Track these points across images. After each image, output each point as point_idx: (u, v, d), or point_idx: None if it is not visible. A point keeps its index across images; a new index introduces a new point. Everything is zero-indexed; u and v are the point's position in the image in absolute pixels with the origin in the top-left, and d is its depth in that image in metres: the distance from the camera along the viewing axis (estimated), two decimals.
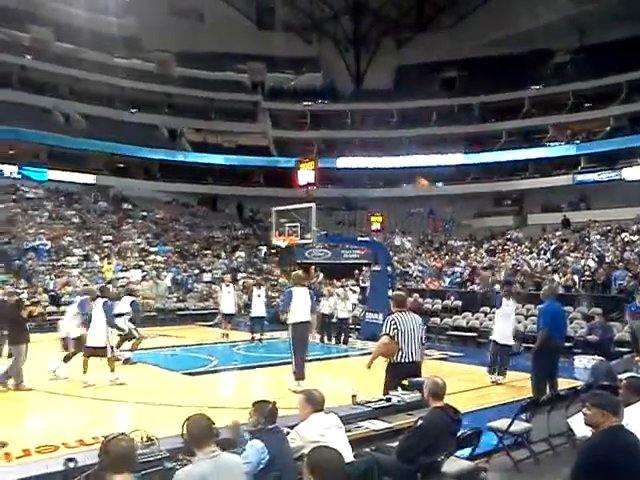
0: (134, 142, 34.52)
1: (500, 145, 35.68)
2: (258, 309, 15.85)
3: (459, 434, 4.61)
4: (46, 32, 34.24)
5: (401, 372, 6.13)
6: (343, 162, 37.96)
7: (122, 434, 3.02)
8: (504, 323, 10.64)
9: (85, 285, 21.66)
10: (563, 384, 8.41)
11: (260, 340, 15.56)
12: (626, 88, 32.00)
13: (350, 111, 39.88)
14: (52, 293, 20.41)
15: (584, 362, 11.81)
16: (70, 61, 33.94)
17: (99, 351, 9.76)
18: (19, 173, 30.42)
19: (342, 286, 20.44)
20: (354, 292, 20.90)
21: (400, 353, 6.17)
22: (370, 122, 39.60)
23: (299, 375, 9.27)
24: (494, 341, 10.65)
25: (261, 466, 3.50)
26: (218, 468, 3.13)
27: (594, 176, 31.41)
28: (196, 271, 26.44)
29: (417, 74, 37.97)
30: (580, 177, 31.90)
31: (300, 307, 9.19)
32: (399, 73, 40.11)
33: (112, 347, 10.05)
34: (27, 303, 10.44)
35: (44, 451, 6.05)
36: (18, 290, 16.98)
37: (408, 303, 6.97)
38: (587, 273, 18.38)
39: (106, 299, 10.17)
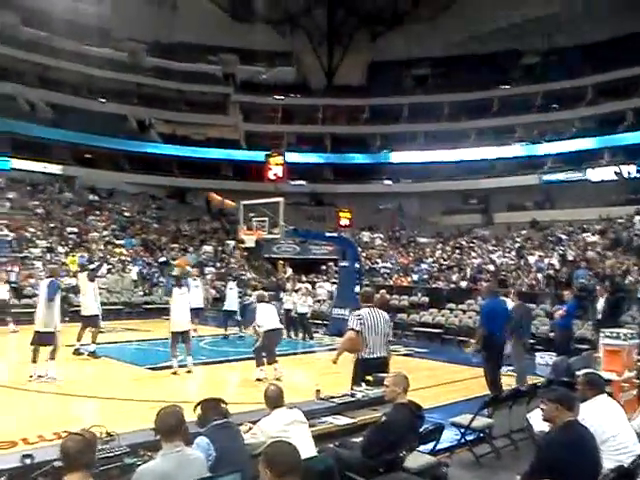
0: (102, 132, 33.86)
1: (469, 143, 36.03)
2: (229, 303, 15.87)
3: (422, 429, 4.66)
4: (13, 17, 33.32)
5: (369, 367, 6.16)
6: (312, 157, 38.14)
7: (81, 430, 2.97)
8: None
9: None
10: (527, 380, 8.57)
11: (229, 335, 15.53)
12: (592, 90, 32.66)
13: (322, 106, 39.83)
14: (14, 285, 19.96)
15: (546, 359, 12.05)
16: (38, 48, 33.05)
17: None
18: None
19: (308, 282, 20.46)
20: (323, 288, 20.99)
21: (367, 349, 6.21)
22: (342, 118, 39.73)
23: (258, 362, 9.79)
24: None
25: (209, 463, 3.43)
26: (181, 465, 3.10)
27: (560, 176, 31.97)
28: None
29: (390, 70, 38.07)
30: (546, 177, 32.43)
31: (269, 316, 9.89)
32: (372, 69, 40.12)
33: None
34: None
35: (2, 447, 5.91)
36: None
37: (375, 299, 7.01)
38: (550, 271, 18.74)
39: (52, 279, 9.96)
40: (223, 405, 3.91)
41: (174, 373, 10.15)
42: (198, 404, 3.90)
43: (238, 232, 18.40)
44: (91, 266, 12.56)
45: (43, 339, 9.38)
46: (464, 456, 5.85)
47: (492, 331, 8.41)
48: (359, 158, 38.15)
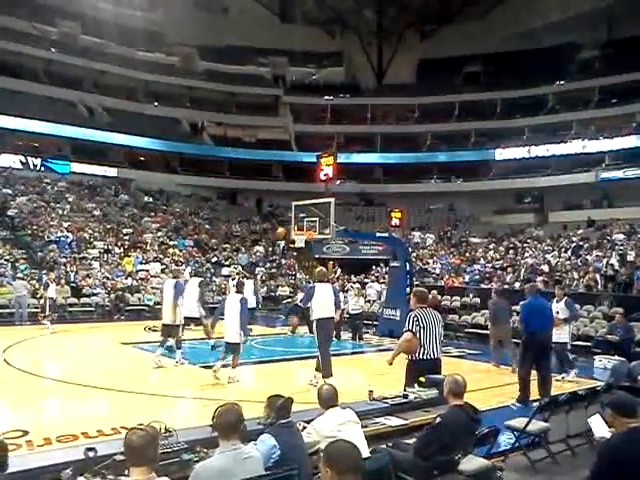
0: (156, 135, 34.81)
1: (523, 141, 35.24)
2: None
3: (476, 432, 4.58)
4: (73, 26, 34.58)
5: (422, 369, 6.13)
6: (362, 157, 38.06)
7: (143, 425, 3.03)
8: None
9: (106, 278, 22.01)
10: (580, 384, 8.34)
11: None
12: None
13: (371, 105, 39.68)
14: (73, 285, 20.68)
15: (604, 362, 11.67)
16: (95, 55, 34.19)
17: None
18: (43, 165, 30.83)
19: (358, 282, 20.41)
20: (372, 288, 20.92)
21: (421, 350, 6.16)
22: (391, 117, 39.52)
23: (325, 373, 8.95)
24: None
25: (272, 461, 3.49)
26: (238, 462, 3.14)
27: (619, 173, 30.88)
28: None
29: (440, 68, 37.55)
30: (604, 174, 31.39)
31: (323, 303, 9.12)
32: (422, 67, 39.76)
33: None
34: None
35: (64, 440, 6.13)
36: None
37: (428, 300, 6.94)
38: (609, 272, 18.11)
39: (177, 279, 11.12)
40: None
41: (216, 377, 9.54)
42: (270, 400, 3.91)
43: (289, 232, 18.51)
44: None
45: (168, 331, 10.79)
46: (518, 460, 5.72)
47: (532, 330, 8.52)
48: (410, 158, 37.73)
